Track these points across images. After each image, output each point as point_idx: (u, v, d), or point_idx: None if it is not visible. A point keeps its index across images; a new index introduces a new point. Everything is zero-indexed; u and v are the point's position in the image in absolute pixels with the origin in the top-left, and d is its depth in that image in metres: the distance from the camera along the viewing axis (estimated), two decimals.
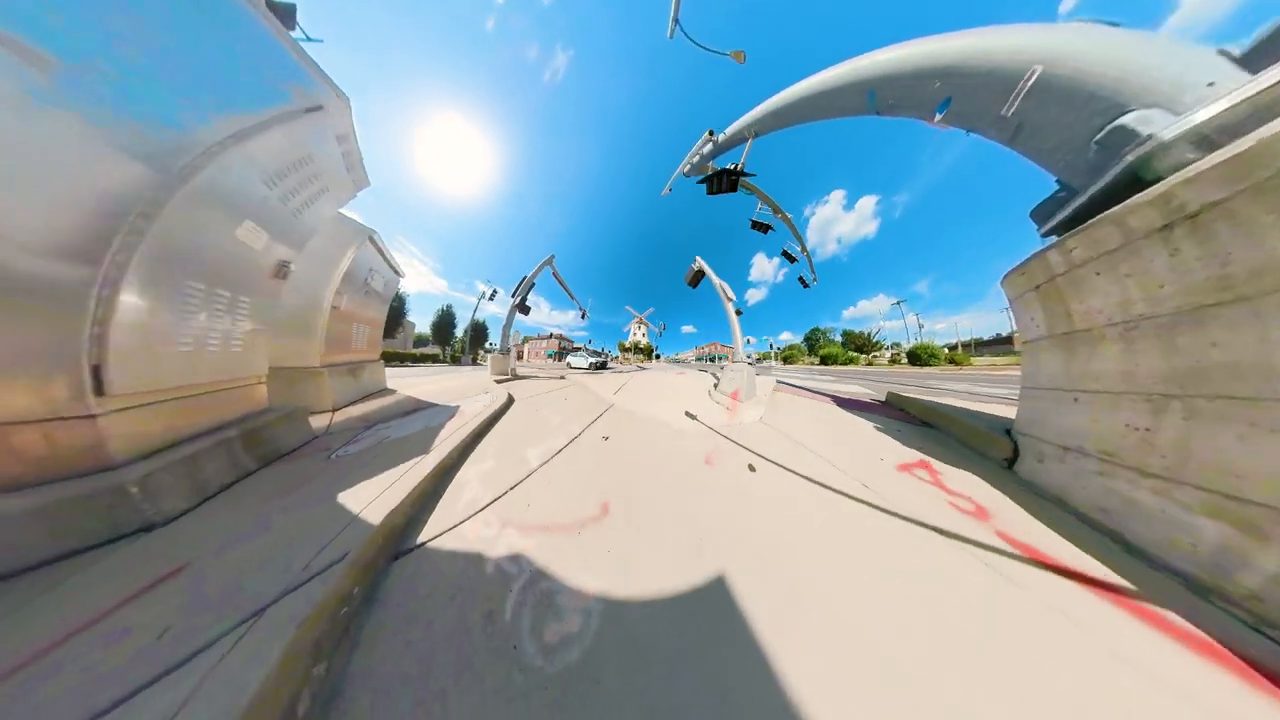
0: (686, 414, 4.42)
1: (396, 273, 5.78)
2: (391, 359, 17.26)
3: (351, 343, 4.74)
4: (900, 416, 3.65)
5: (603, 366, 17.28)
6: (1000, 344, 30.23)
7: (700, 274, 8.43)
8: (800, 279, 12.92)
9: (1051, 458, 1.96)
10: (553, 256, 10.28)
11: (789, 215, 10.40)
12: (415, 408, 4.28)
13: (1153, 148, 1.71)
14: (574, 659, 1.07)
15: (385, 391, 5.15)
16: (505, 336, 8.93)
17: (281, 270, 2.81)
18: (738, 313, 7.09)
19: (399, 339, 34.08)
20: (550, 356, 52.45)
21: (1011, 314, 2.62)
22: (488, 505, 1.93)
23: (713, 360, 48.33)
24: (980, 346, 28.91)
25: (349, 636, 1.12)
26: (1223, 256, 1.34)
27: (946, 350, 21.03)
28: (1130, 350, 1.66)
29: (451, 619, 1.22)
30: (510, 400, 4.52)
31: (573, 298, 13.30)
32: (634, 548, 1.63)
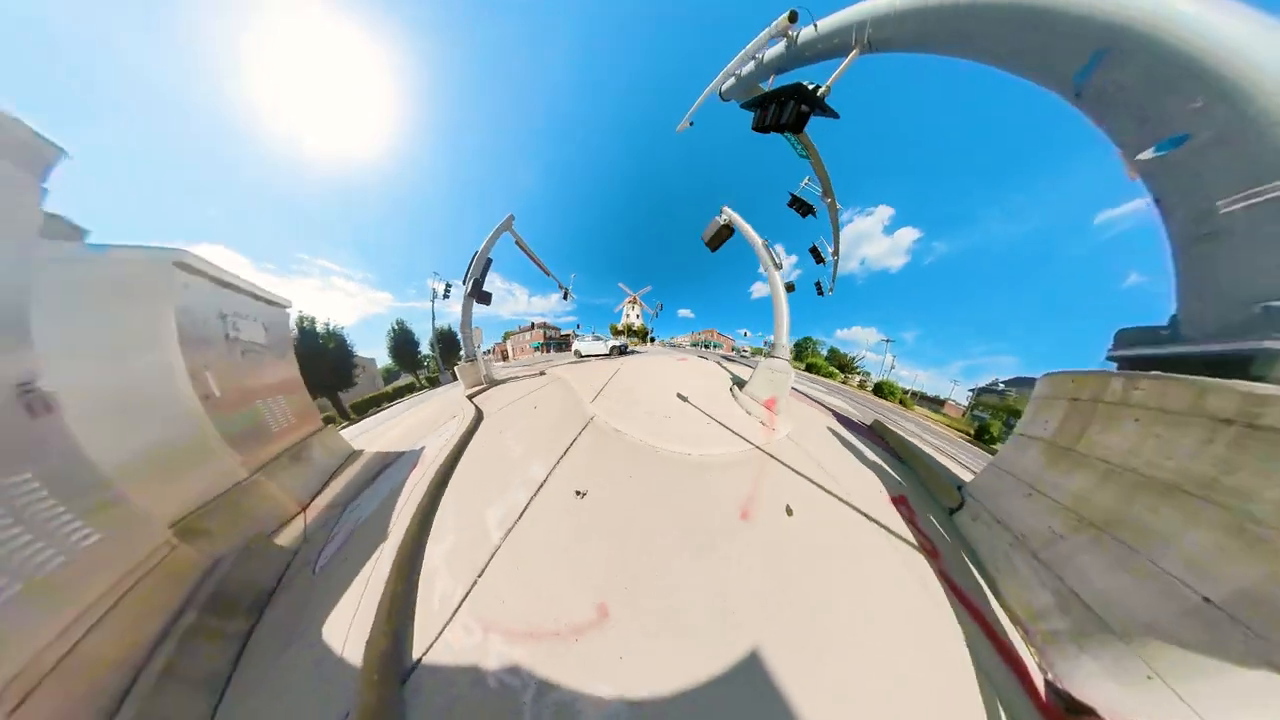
0: (678, 395, 4.15)
1: (274, 303, 4.14)
2: (366, 407, 15.25)
3: (270, 426, 3.70)
4: (882, 445, 4.47)
5: (624, 351, 15.14)
6: (934, 403, 36.50)
7: (728, 231, 6.60)
8: (817, 284, 12.17)
9: (983, 521, 2.75)
10: (511, 217, 7.94)
11: (839, 206, 8.96)
12: (382, 466, 4.07)
13: None
14: None
15: (351, 457, 4.49)
16: (467, 339, 7.61)
17: (32, 400, 1.72)
18: (788, 288, 5.87)
19: (363, 383, 26.83)
20: (537, 349, 45.62)
21: (1033, 409, 3.10)
22: (459, 607, 1.94)
23: (707, 347, 46.71)
24: (922, 400, 34.79)
25: None
26: (1233, 465, 1.78)
27: (902, 391, 25.30)
28: (1099, 485, 2.24)
29: None
30: (478, 420, 4.29)
31: (548, 273, 11.11)
32: (653, 653, 1.67)
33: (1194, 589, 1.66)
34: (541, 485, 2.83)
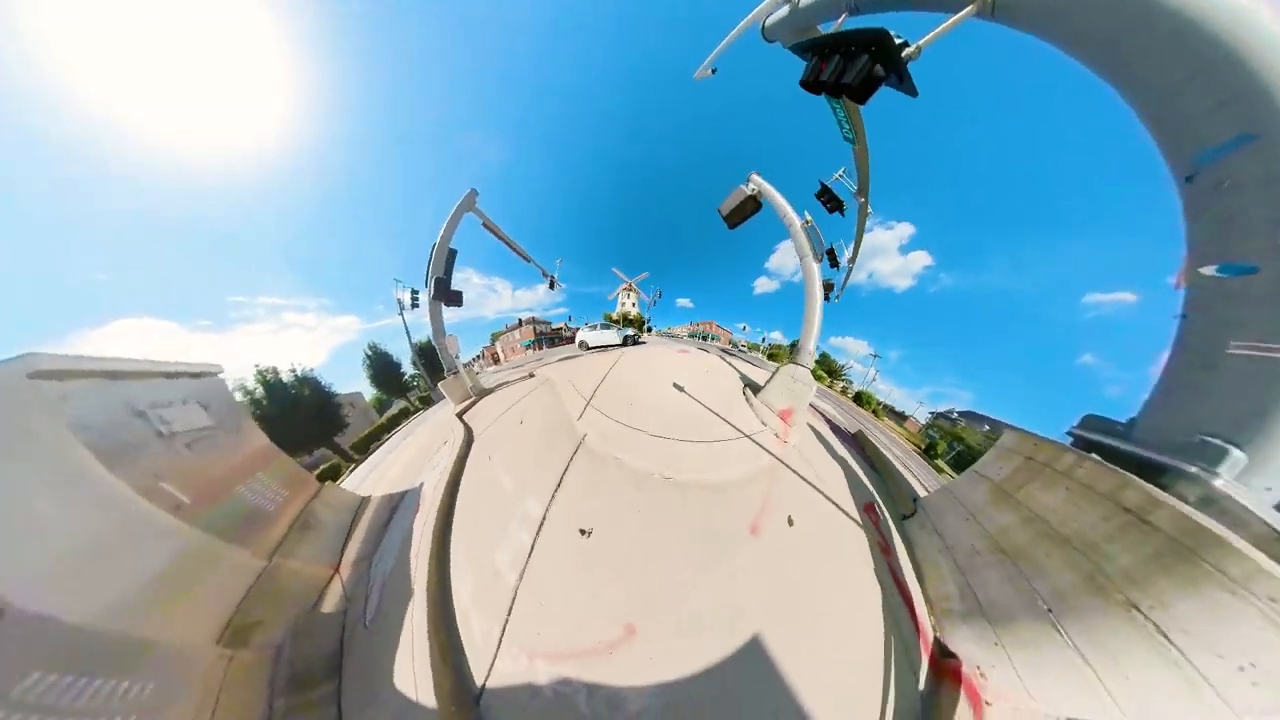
0: (673, 385, 4.10)
1: (201, 374, 3.53)
2: (368, 444, 15.06)
3: (264, 506, 3.43)
4: (860, 453, 5.30)
5: (636, 341, 13.70)
6: (899, 417, 40.09)
7: (753, 204, 5.59)
8: (829, 288, 11.98)
9: (927, 530, 3.66)
10: (474, 193, 6.76)
11: (870, 210, 7.90)
12: (390, 511, 4.04)
13: (1207, 488, 2.54)
14: (656, 714, 1.92)
15: (362, 506, 4.30)
16: (443, 351, 6.66)
17: None
18: (827, 288, 5.43)
19: (356, 420, 23.86)
20: (528, 347, 41.81)
21: (994, 455, 3.87)
22: (500, 643, 2.23)
23: (705, 339, 45.39)
24: (890, 413, 38.82)
25: None
26: (1113, 538, 2.55)
27: (876, 402, 28.25)
28: (1020, 526, 3.07)
29: None
30: (468, 445, 4.28)
31: (527, 259, 9.71)
32: (678, 652, 2.14)
33: (1046, 604, 2.54)
34: (541, 524, 2.90)
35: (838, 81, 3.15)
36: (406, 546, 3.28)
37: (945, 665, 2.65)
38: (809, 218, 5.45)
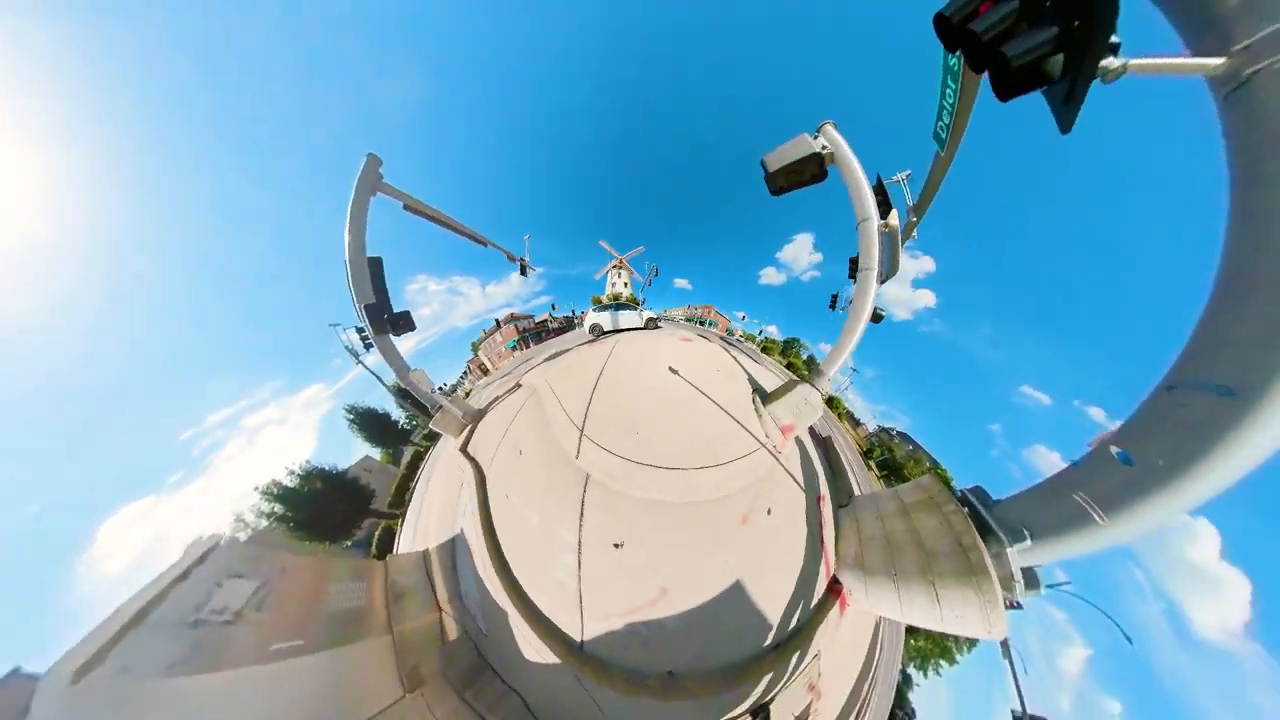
0: (672, 372, 4.92)
1: (206, 555, 3.48)
2: (402, 497, 16.14)
3: (354, 606, 4.13)
4: (825, 454, 7.34)
5: (655, 325, 12.40)
6: (854, 422, 45.72)
7: (817, 168, 4.33)
8: (833, 297, 11.50)
9: (851, 518, 5.84)
10: (375, 161, 5.36)
11: (915, 234, 7.04)
12: (451, 555, 4.73)
13: (1001, 549, 4.73)
14: (681, 627, 3.92)
15: (428, 561, 4.86)
16: (414, 389, 5.97)
17: None
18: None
19: (381, 480, 23.66)
20: (513, 349, 38.03)
21: (912, 485, 5.98)
22: (583, 619, 3.69)
23: (702, 324, 44.27)
24: (849, 418, 43.73)
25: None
26: (945, 551, 4.70)
27: (843, 406, 32.00)
28: (905, 530, 5.22)
29: (626, 652, 3.67)
30: (484, 488, 4.87)
31: (483, 241, 7.97)
32: (694, 596, 3.95)
33: (895, 571, 4.74)
34: (580, 547, 3.89)
35: (991, 45, 2.06)
36: (480, 581, 4.29)
37: (834, 587, 4.97)
38: (895, 221, 4.74)
